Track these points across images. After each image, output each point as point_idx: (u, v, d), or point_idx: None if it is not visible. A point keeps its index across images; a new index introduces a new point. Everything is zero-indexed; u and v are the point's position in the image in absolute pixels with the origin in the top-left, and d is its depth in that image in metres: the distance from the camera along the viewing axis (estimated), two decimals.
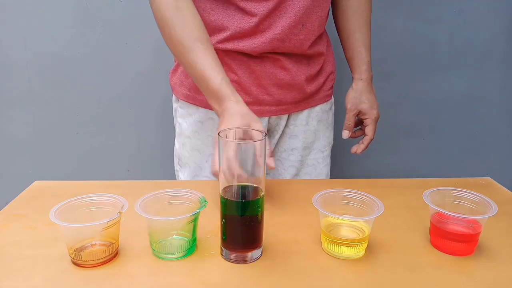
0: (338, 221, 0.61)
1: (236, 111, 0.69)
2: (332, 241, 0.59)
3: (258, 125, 0.66)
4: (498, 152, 1.56)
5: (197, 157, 0.93)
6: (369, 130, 0.96)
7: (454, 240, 0.60)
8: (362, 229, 0.60)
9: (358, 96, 0.95)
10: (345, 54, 0.99)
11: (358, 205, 0.62)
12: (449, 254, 0.61)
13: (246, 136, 0.60)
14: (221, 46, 0.84)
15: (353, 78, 0.98)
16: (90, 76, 1.39)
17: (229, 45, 0.83)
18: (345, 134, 0.97)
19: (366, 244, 0.60)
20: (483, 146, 1.55)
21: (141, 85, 1.41)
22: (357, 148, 0.97)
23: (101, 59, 1.37)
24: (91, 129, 1.44)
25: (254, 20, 0.80)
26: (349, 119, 0.97)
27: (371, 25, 0.97)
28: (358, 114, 0.97)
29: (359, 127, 1.00)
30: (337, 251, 0.59)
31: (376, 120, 0.97)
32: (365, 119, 0.97)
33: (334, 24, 0.99)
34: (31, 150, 1.46)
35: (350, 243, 0.58)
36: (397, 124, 1.50)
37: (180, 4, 0.75)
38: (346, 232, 0.61)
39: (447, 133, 1.53)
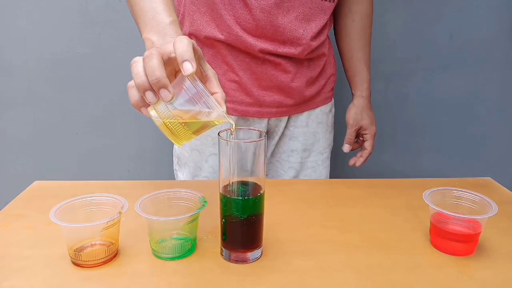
0: None
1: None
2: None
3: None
4: (498, 152, 1.55)
5: (197, 157, 0.94)
6: (368, 145, 1.02)
7: (454, 240, 0.60)
8: None
9: (359, 112, 1.00)
10: (345, 72, 1.02)
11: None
12: (449, 254, 0.61)
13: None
14: (223, 37, 0.83)
15: (353, 95, 1.02)
16: (90, 76, 1.39)
17: (232, 37, 0.82)
18: (346, 148, 1.03)
19: None
20: (483, 146, 1.55)
21: None
22: (356, 161, 1.03)
23: (101, 59, 1.37)
24: (91, 129, 1.44)
25: (253, 12, 0.79)
26: (351, 134, 1.01)
27: (371, 44, 1.00)
28: (358, 130, 1.02)
29: (356, 139, 1.05)
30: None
31: (375, 135, 1.02)
32: (365, 134, 1.02)
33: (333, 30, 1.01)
34: (31, 150, 1.46)
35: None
36: (397, 124, 1.50)
37: None
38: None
39: (447, 133, 1.53)
